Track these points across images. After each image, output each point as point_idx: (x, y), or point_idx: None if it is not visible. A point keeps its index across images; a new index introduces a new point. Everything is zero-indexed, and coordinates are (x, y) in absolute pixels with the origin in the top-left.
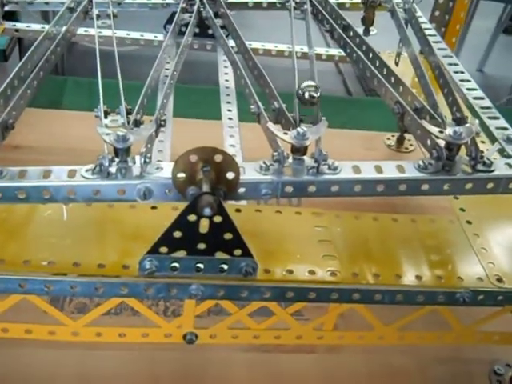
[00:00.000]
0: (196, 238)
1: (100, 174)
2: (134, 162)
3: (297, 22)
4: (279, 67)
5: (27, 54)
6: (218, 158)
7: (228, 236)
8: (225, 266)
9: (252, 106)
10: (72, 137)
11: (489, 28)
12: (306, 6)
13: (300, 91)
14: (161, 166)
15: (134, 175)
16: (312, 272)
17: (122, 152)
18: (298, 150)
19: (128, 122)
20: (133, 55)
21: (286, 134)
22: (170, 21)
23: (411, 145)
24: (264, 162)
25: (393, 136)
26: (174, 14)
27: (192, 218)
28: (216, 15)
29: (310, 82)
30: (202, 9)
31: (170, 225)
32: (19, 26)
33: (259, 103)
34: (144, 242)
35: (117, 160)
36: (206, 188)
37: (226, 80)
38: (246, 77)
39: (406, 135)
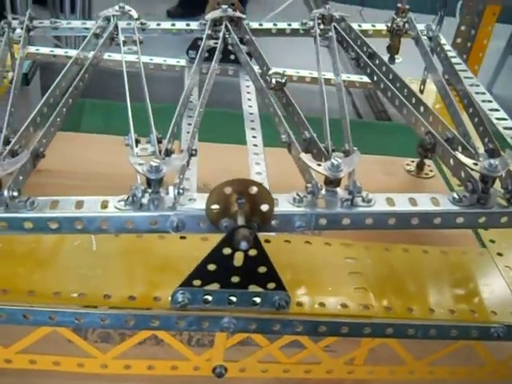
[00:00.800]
0: (230, 271)
1: (133, 206)
2: (167, 193)
3: (303, 46)
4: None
5: (56, 81)
6: (253, 189)
7: (262, 269)
8: (257, 299)
9: (283, 136)
10: (92, 160)
11: (499, 48)
12: (330, 34)
13: (267, 77)
14: (193, 197)
15: (167, 206)
16: (344, 305)
17: (154, 183)
18: (332, 182)
19: (160, 152)
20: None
21: (319, 165)
22: (192, 46)
23: (431, 171)
24: (297, 194)
25: (412, 162)
26: (196, 39)
27: (227, 251)
28: (240, 41)
29: (276, 70)
30: (227, 35)
31: (205, 258)
32: (42, 50)
33: (290, 133)
34: (174, 273)
35: (149, 191)
36: (241, 221)
37: (250, 106)
38: (275, 105)
39: (426, 161)
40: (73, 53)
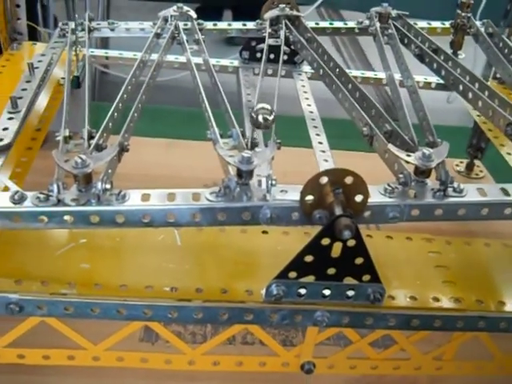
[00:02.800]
0: (327, 263)
1: (225, 197)
2: (260, 185)
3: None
4: None
5: (128, 79)
6: (349, 179)
7: (359, 260)
8: (350, 293)
9: (364, 129)
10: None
11: None
12: (390, 31)
13: (253, 114)
14: (285, 188)
15: (259, 198)
16: (436, 299)
17: (245, 174)
18: (423, 173)
19: (247, 145)
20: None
21: (409, 155)
22: (245, 47)
23: (481, 171)
24: (388, 185)
25: (461, 162)
26: (250, 39)
27: (325, 241)
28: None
29: (264, 105)
30: (288, 34)
31: (302, 249)
32: (111, 53)
33: (372, 125)
34: (259, 267)
35: (240, 182)
36: (338, 211)
37: (308, 105)
38: (351, 99)
39: (476, 161)
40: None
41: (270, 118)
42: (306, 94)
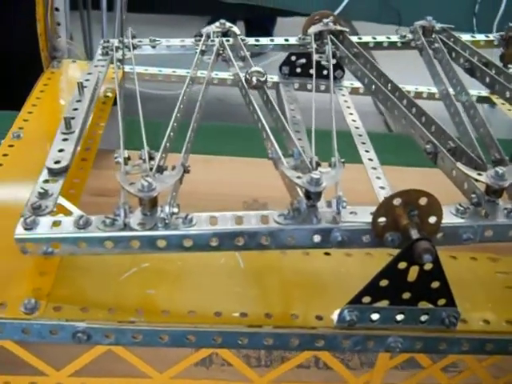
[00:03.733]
0: (402, 287)
1: (294, 220)
2: (330, 206)
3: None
4: None
5: (180, 98)
6: (423, 200)
7: (435, 284)
8: (424, 317)
9: (427, 146)
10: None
11: None
12: (437, 45)
13: (248, 75)
14: (354, 210)
15: (329, 220)
16: (509, 322)
17: (314, 196)
18: (495, 192)
19: (314, 166)
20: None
21: (480, 174)
22: (285, 62)
23: None
24: (460, 205)
25: None
26: (290, 54)
27: (402, 265)
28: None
29: (256, 68)
30: (334, 49)
31: (378, 273)
32: (150, 69)
33: (436, 143)
34: (325, 290)
35: (308, 204)
36: (414, 234)
37: (353, 120)
38: (410, 115)
39: None
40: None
41: (263, 78)
42: (350, 109)
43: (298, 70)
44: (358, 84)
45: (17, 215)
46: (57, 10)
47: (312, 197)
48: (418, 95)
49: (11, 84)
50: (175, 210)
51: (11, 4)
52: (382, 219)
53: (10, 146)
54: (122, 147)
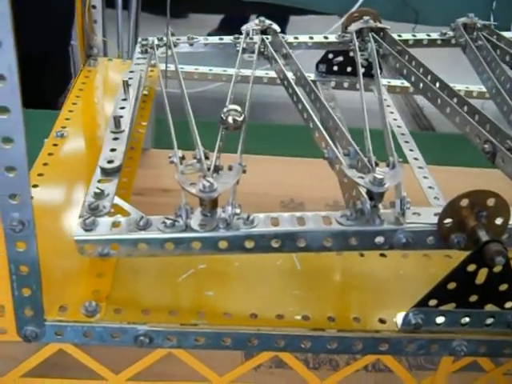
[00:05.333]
0: (470, 290)
1: (357, 221)
2: (394, 207)
3: None
4: None
5: (229, 97)
6: (491, 201)
7: (503, 287)
8: (489, 320)
9: (485, 146)
10: None
11: None
12: (480, 42)
13: (223, 115)
14: (416, 211)
15: (392, 221)
16: None
17: (377, 196)
18: None
19: (371, 166)
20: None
21: None
22: (323, 60)
23: None
24: None
25: None
26: (327, 52)
27: (471, 267)
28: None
29: (233, 106)
30: (377, 47)
31: (446, 275)
32: (186, 68)
33: (495, 142)
34: (385, 293)
35: (371, 205)
36: (483, 236)
37: (395, 119)
38: (464, 113)
39: None
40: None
41: (240, 118)
42: (390, 108)
43: (335, 67)
44: (394, 82)
45: (67, 215)
46: (94, 7)
47: (375, 197)
48: (469, 94)
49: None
50: (237, 210)
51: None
52: (448, 220)
53: (55, 144)
54: (176, 147)
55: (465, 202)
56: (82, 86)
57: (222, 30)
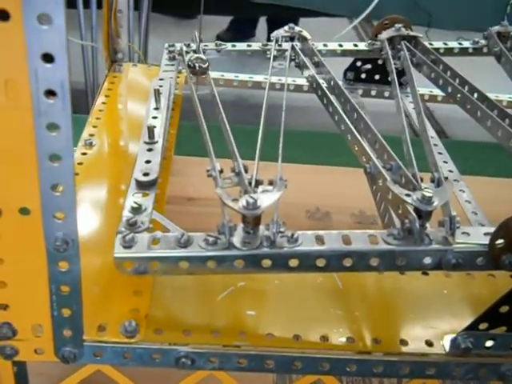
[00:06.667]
0: None
1: (405, 240)
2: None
3: None
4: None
5: (264, 105)
6: None
7: None
8: None
9: None
10: None
11: None
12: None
13: (190, 63)
14: (465, 230)
15: (441, 241)
16: None
17: (425, 215)
18: None
19: (417, 183)
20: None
21: None
22: (351, 68)
23: None
24: None
25: None
26: (355, 60)
27: None
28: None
29: (198, 55)
30: (410, 55)
31: (499, 299)
32: (226, 75)
33: None
34: (431, 313)
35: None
36: None
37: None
38: (507, 127)
39: None
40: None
41: (205, 65)
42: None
43: (363, 75)
44: (423, 91)
45: (102, 229)
46: (120, 11)
47: (423, 216)
48: (511, 104)
49: None
50: (282, 229)
51: None
52: (500, 241)
53: (83, 153)
54: (214, 159)
55: None
56: (108, 92)
57: (231, 31)
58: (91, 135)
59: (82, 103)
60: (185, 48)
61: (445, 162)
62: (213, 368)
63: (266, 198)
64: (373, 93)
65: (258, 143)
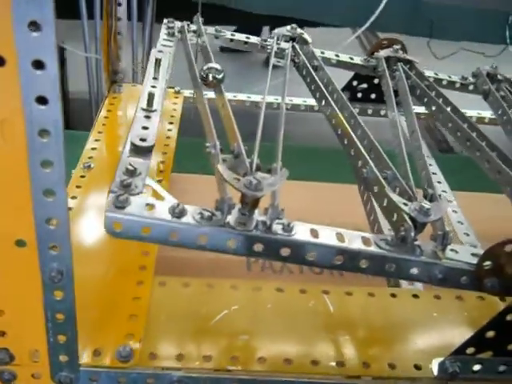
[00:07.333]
0: (509, 339)
1: (397, 247)
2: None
3: None
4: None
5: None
6: None
7: None
8: None
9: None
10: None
11: None
12: (502, 93)
13: (202, 73)
14: (454, 247)
15: (430, 255)
16: None
17: (420, 226)
18: None
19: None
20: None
21: None
22: (347, 87)
23: None
24: None
25: None
26: (352, 79)
27: (511, 317)
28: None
29: (212, 65)
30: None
31: (485, 325)
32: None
33: None
34: (421, 337)
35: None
36: None
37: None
38: (495, 159)
39: None
40: None
41: (219, 76)
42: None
43: (359, 94)
44: (418, 110)
45: (99, 251)
46: (119, 34)
47: (417, 226)
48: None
49: None
50: (280, 215)
51: None
52: (488, 263)
53: (82, 176)
54: (215, 135)
55: (510, 248)
56: (107, 113)
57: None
58: (90, 158)
59: (85, 113)
60: (186, 26)
61: (439, 182)
62: None
63: (268, 184)
64: (369, 111)
65: (259, 126)
